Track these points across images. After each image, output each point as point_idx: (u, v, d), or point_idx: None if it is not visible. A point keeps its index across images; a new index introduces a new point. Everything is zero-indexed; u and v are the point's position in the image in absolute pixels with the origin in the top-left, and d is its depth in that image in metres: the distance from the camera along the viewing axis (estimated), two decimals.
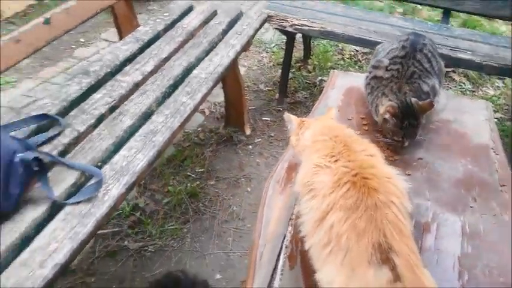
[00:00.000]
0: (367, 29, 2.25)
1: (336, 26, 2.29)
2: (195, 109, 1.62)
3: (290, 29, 2.35)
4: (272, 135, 2.45)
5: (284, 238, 1.10)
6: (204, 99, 1.68)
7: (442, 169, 1.30)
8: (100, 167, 1.30)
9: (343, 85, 1.67)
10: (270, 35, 3.37)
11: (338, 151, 0.98)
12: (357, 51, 3.24)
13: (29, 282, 0.99)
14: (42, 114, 1.46)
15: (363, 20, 2.34)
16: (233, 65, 2.07)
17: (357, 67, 3.09)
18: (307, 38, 2.96)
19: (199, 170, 2.20)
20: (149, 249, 1.82)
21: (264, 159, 2.28)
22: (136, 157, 1.34)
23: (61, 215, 1.14)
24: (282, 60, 2.78)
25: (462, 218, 1.14)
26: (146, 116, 1.53)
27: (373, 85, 1.47)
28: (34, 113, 1.46)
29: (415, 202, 1.14)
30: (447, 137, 1.43)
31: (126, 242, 1.84)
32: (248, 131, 2.43)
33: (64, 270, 1.05)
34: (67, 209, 1.16)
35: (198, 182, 2.13)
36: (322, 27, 2.28)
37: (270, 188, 1.22)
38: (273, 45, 3.29)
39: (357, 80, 1.64)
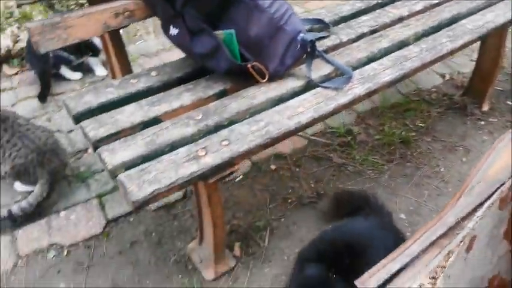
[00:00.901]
0: None
1: None
2: (451, 52, 1.61)
3: None
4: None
5: (502, 184, 1.08)
6: (463, 46, 1.66)
7: None
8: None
9: None
10: None
11: None
12: None
13: (276, 127, 1.27)
14: (319, 19, 1.72)
15: None
16: (502, 31, 1.93)
17: None
18: None
19: (419, 124, 2.21)
20: (348, 168, 2.00)
21: (492, 139, 2.11)
22: (383, 72, 1.47)
23: (312, 92, 1.39)
24: None
25: None
26: (402, 44, 1.63)
27: None
28: (311, 17, 1.74)
29: None
30: None
31: (332, 155, 2.06)
32: (485, 108, 2.27)
33: (302, 128, 1.30)
34: (318, 89, 1.40)
35: (413, 134, 2.15)
36: None
37: (506, 136, 1.18)
38: None
39: None
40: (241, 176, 1.97)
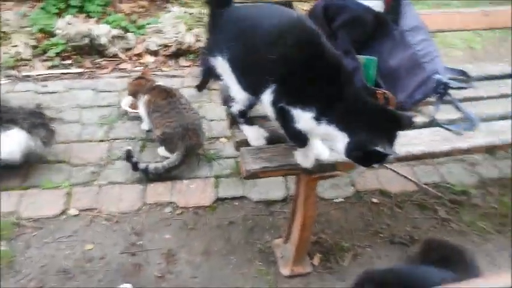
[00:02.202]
0: None
1: None
2: None
3: None
4: None
5: None
6: None
7: None
8: None
9: None
10: None
11: None
12: None
13: None
14: (463, 70, 1.77)
15: None
16: None
17: None
18: None
19: None
20: (451, 226, 1.94)
21: None
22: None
23: (433, 130, 1.47)
24: None
25: None
26: None
27: None
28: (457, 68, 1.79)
29: None
30: None
31: (439, 208, 2.02)
32: None
33: (410, 158, 1.38)
34: (438, 128, 1.46)
35: None
36: None
37: None
38: None
39: None
40: (341, 199, 2.06)
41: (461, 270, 1.47)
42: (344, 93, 1.16)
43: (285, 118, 1.22)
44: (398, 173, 2.18)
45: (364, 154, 1.12)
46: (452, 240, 1.84)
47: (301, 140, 1.27)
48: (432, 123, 1.48)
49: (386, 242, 1.87)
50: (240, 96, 1.34)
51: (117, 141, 2.37)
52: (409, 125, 1.20)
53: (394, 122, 1.15)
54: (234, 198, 2.06)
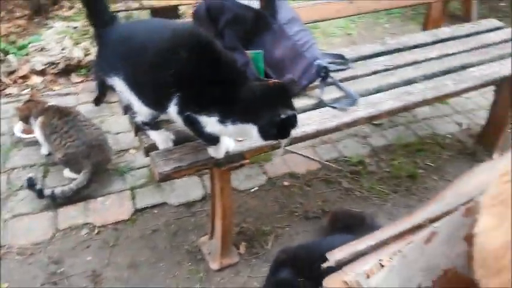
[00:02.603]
0: None
1: None
2: (454, 94, 1.82)
3: None
4: None
5: (472, 199, 1.24)
6: (465, 91, 1.86)
7: None
8: None
9: None
10: None
11: None
12: None
13: None
14: (340, 54, 1.98)
15: None
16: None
17: None
18: None
19: (429, 164, 2.36)
20: (355, 193, 2.17)
21: None
22: (386, 101, 1.69)
23: (321, 110, 1.63)
24: None
25: None
26: (409, 82, 1.85)
27: None
28: (335, 52, 2.01)
29: None
30: None
31: (342, 180, 2.24)
32: (496, 157, 2.38)
33: (306, 138, 1.52)
34: (326, 108, 1.64)
35: (421, 171, 2.30)
36: None
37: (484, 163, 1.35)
38: None
39: None
40: (256, 188, 2.19)
41: (363, 233, 1.68)
42: (241, 91, 1.24)
43: (194, 125, 1.27)
44: (302, 155, 2.38)
45: (277, 129, 1.21)
46: (357, 207, 2.08)
47: (213, 140, 1.34)
48: (320, 104, 1.65)
49: (301, 219, 2.03)
50: (143, 111, 1.37)
51: (15, 170, 2.21)
52: (294, 83, 1.31)
53: (283, 89, 1.25)
54: (153, 207, 2.06)
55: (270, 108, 1.20)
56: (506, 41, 2.27)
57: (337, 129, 1.58)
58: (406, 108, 1.72)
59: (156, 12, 2.20)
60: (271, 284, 1.48)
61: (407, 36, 2.26)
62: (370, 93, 1.75)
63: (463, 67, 1.99)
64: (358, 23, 4.01)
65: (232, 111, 1.23)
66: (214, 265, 1.78)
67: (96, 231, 1.93)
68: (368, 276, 1.08)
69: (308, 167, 2.31)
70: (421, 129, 2.63)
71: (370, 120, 1.65)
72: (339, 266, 1.13)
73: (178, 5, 1.90)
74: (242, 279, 1.76)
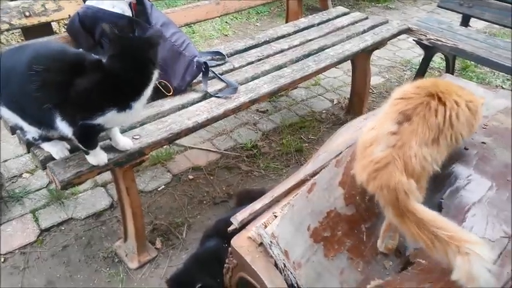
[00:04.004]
0: (497, 54, 2.43)
1: (468, 46, 2.53)
2: (316, 73, 2.14)
3: (425, 42, 2.67)
4: None
5: (340, 153, 1.51)
6: (326, 68, 2.20)
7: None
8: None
9: None
10: (419, 59, 3.65)
11: None
12: None
13: (177, 125, 1.65)
14: (218, 51, 2.19)
15: (497, 48, 2.52)
16: (363, 57, 2.52)
17: None
18: (449, 60, 3.16)
19: (311, 137, 2.70)
20: (254, 174, 2.40)
21: None
22: (263, 86, 1.94)
23: (207, 101, 1.81)
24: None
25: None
26: (279, 67, 2.13)
27: None
28: (213, 50, 2.21)
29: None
30: None
31: (240, 165, 2.46)
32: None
33: (198, 127, 1.69)
34: (212, 99, 1.82)
35: (306, 144, 2.63)
36: (454, 44, 2.54)
37: (346, 124, 1.65)
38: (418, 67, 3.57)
39: None
40: (163, 186, 2.29)
41: None
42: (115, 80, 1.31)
43: (87, 130, 1.33)
44: (202, 149, 2.54)
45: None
46: (257, 185, 2.31)
47: (94, 143, 1.40)
48: (206, 96, 1.83)
49: (210, 205, 2.19)
50: (33, 131, 1.41)
51: None
52: (160, 37, 1.42)
53: (149, 44, 1.37)
54: (59, 224, 2.04)
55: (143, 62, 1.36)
56: (352, 23, 2.70)
57: (225, 115, 1.77)
58: (280, 90, 1.98)
59: (27, 31, 2.14)
60: (201, 251, 1.61)
61: (273, 30, 2.56)
62: (248, 81, 1.98)
63: (321, 49, 2.34)
64: (233, 24, 4.30)
65: (126, 96, 1.32)
66: (133, 264, 1.85)
67: (2, 259, 1.86)
68: (266, 227, 1.29)
69: (209, 159, 2.49)
70: (301, 110, 2.98)
71: (252, 103, 1.88)
72: (243, 226, 1.32)
73: (49, 22, 1.91)
74: (162, 271, 1.86)
